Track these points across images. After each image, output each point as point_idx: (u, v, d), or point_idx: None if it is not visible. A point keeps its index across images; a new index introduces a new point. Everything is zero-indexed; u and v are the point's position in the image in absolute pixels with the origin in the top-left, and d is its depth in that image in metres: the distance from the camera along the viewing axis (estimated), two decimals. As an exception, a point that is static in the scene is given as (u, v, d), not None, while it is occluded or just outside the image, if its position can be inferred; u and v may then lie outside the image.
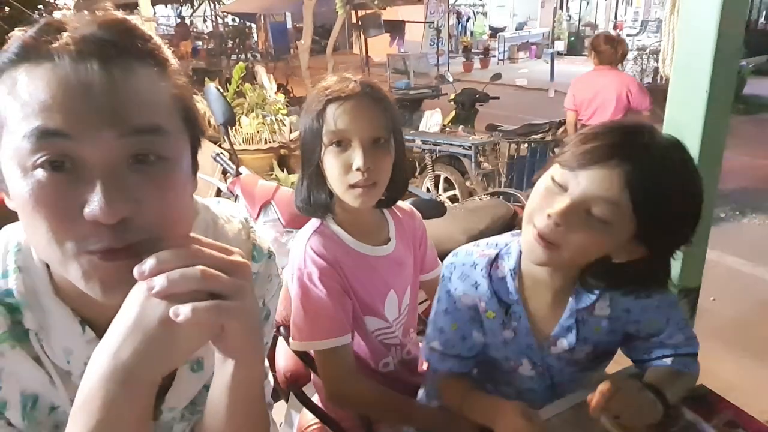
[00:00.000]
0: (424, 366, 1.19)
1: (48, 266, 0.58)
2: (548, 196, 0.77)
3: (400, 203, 1.20)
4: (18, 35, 0.50)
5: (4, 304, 0.56)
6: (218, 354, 0.55)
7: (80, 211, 0.47)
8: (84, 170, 0.48)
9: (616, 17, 17.82)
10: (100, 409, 0.47)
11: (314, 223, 1.10)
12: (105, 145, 0.48)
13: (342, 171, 0.98)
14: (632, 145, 0.72)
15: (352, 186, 0.99)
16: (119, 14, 0.52)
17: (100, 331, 0.58)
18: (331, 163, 0.99)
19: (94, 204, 0.47)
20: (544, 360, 0.96)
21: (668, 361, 0.94)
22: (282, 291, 0.88)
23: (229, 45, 16.53)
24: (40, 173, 0.47)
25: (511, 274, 0.91)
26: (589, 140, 0.75)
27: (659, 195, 0.71)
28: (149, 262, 0.48)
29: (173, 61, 0.55)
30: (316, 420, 1.17)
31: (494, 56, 16.33)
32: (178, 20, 19.94)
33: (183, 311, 0.47)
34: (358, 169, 0.97)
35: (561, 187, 0.76)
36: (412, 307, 1.23)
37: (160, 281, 0.47)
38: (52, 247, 0.49)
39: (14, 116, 0.48)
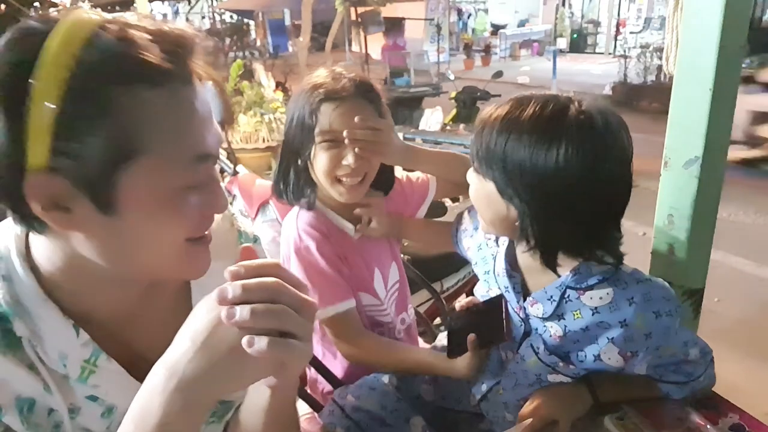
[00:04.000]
0: None
1: (35, 273, 0.57)
2: None
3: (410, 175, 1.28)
4: (150, 59, 0.50)
5: None
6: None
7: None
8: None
9: (618, 14, 17.69)
10: (155, 426, 0.48)
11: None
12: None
13: (332, 166, 1.05)
14: None
15: (339, 180, 1.06)
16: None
17: (94, 328, 0.60)
18: (321, 158, 1.05)
19: (219, 204, 0.59)
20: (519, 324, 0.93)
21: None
22: None
23: (227, 42, 16.49)
24: (191, 190, 0.54)
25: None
26: None
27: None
28: (234, 289, 0.48)
29: None
30: (310, 410, 1.17)
31: (495, 54, 16.32)
32: (176, 18, 19.94)
33: (258, 344, 0.47)
34: (347, 166, 1.04)
35: None
36: (402, 285, 1.26)
37: (244, 313, 0.47)
38: (176, 244, 0.56)
39: (162, 138, 0.51)
